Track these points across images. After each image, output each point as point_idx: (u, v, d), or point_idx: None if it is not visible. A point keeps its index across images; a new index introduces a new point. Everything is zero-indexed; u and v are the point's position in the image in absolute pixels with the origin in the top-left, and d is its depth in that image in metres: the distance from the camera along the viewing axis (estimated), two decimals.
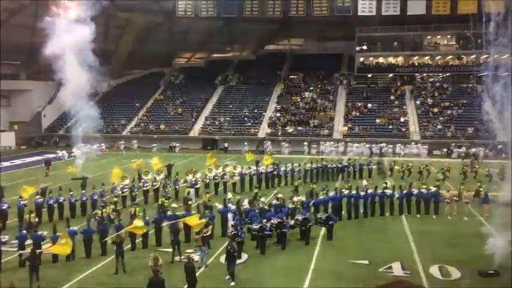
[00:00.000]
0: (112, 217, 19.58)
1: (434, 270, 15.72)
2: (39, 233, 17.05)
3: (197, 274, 14.97)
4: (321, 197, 22.22)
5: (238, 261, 16.42)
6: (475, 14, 45.26)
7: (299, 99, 55.32)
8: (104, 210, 20.14)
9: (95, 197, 23.62)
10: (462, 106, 50.46)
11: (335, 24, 57.78)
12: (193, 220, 17.23)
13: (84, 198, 23.38)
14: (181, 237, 17.57)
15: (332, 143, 46.08)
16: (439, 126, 47.92)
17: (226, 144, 48.87)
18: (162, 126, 53.19)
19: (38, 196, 23.26)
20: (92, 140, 37.92)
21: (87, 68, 31.18)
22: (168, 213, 18.94)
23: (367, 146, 44.62)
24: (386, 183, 25.01)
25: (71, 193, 23.44)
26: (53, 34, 30.83)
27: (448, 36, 56.54)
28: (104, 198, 23.53)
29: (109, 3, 38.79)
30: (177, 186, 26.49)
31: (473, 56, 54.86)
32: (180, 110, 55.94)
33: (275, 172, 30.20)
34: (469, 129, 46.57)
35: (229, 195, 23.02)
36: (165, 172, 30.35)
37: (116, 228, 17.11)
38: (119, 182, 26.03)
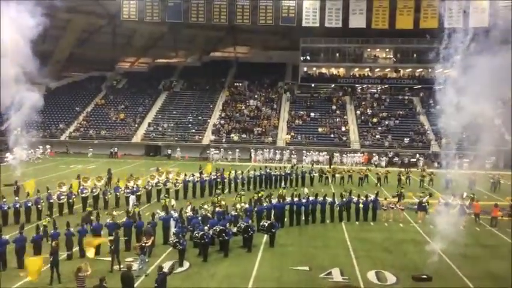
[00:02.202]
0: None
1: (371, 275, 16.24)
2: None
3: (137, 283, 14.68)
4: (264, 205, 22.41)
5: (180, 269, 16.27)
6: (412, 29, 47.83)
7: (243, 107, 55.64)
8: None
9: (29, 204, 22.56)
10: (399, 117, 52.72)
11: (280, 34, 58.88)
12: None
13: (17, 206, 22.28)
14: (121, 245, 17.13)
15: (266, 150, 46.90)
16: (377, 136, 49.76)
17: (169, 151, 48.27)
18: (103, 132, 51.72)
19: None
20: (29, 144, 36.19)
21: (23, 69, 29.55)
22: (108, 221, 18.41)
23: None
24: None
25: (4, 200, 22.28)
26: None
27: (387, 50, 59.10)
28: (38, 206, 22.57)
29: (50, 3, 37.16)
30: (117, 193, 25.82)
31: (410, 69, 57.69)
32: (122, 115, 54.67)
33: (219, 179, 30.12)
34: (405, 139, 48.72)
35: (173, 202, 22.70)
36: (105, 179, 29.51)
37: (51, 237, 16.44)
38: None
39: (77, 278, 13.39)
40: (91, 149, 48.02)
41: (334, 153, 45.38)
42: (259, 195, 23.99)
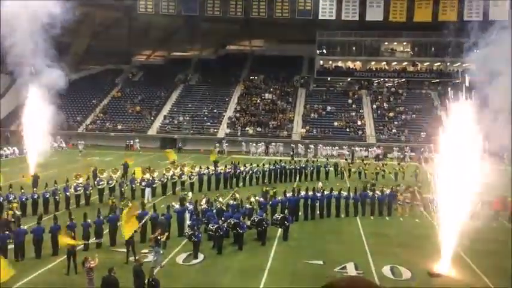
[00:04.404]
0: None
1: (386, 270, 16.15)
2: None
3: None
4: (279, 198, 22.42)
5: (194, 261, 16.39)
6: (430, 22, 47.05)
7: (259, 101, 55.52)
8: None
9: (47, 195, 22.89)
10: (416, 111, 52.09)
11: (296, 27, 58.43)
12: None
13: (35, 197, 22.61)
14: (136, 237, 17.29)
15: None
16: (393, 130, 49.27)
17: (180, 144, 48.51)
18: (119, 126, 52.06)
19: None
20: (47, 136, 36.60)
21: (46, 62, 29.70)
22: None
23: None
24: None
25: (22, 191, 22.63)
26: (7, 24, 29.16)
27: (404, 43, 58.38)
28: (56, 197, 22.87)
29: None
30: (133, 185, 26.03)
31: (427, 63, 56.91)
32: (139, 108, 55.03)
33: (233, 172, 30.15)
34: (422, 133, 48.12)
35: (190, 194, 22.83)
36: (121, 171, 29.74)
37: (68, 228, 16.65)
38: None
39: (84, 268, 13.59)
40: (82, 142, 47.26)
41: (353, 148, 44.98)
42: (273, 191, 23.93)
